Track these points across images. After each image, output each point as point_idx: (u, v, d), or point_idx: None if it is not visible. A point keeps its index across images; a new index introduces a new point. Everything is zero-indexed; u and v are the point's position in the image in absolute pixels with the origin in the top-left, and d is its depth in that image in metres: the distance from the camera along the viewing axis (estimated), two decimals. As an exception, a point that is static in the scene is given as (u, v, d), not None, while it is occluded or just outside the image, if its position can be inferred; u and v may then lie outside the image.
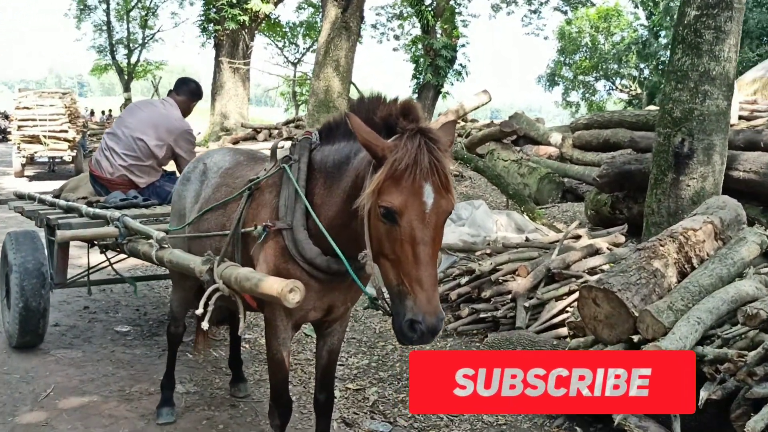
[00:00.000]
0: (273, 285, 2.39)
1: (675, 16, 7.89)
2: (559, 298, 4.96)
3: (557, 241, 6.07)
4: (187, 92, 5.12)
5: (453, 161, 2.48)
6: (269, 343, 2.80)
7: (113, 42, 32.21)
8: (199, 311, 2.66)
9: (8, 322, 4.64)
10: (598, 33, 39.30)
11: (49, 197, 5.20)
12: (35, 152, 15.71)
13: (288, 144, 2.88)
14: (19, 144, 15.65)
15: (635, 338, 3.31)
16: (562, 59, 40.91)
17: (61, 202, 4.87)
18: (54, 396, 4.00)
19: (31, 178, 15.75)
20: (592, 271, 5.14)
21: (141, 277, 5.66)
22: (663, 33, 32.14)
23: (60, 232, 3.88)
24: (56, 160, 16.55)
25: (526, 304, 4.85)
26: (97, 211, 4.22)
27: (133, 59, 32.66)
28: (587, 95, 41.30)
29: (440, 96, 22.45)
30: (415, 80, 22.57)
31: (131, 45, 32.75)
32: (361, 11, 14.90)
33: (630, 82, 38.19)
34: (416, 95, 22.23)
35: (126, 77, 32.12)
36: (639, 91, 36.36)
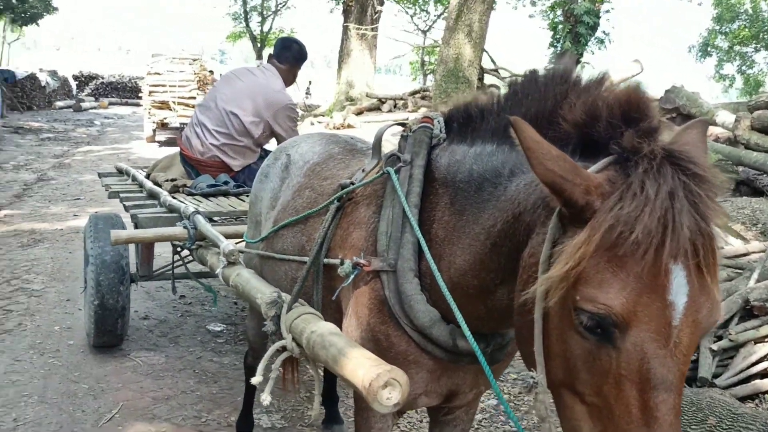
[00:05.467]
0: (357, 371, 1.46)
1: None
2: (759, 341, 3.70)
3: (746, 255, 4.72)
4: (289, 57, 4.27)
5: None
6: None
7: (247, 9, 32.47)
8: (256, 380, 1.79)
9: (85, 320, 4.11)
10: (760, -1, 34.91)
11: (141, 175, 4.61)
12: (164, 118, 15.80)
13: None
14: (149, 109, 15.79)
15: None
16: (717, 27, 36.82)
17: (148, 183, 4.24)
18: (118, 420, 3.40)
19: (162, 144, 15.87)
20: (808, 306, 3.81)
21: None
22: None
23: (114, 233, 3.17)
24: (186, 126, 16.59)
25: (714, 347, 3.62)
26: (173, 202, 3.50)
27: (266, 27, 32.79)
28: (743, 68, 37.05)
29: (579, 66, 20.61)
30: (552, 49, 20.88)
31: (264, 12, 32.85)
32: (497, -29, 13.54)
33: (795, 54, 33.81)
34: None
35: (259, 45, 32.29)
36: (806, 66, 32.07)
